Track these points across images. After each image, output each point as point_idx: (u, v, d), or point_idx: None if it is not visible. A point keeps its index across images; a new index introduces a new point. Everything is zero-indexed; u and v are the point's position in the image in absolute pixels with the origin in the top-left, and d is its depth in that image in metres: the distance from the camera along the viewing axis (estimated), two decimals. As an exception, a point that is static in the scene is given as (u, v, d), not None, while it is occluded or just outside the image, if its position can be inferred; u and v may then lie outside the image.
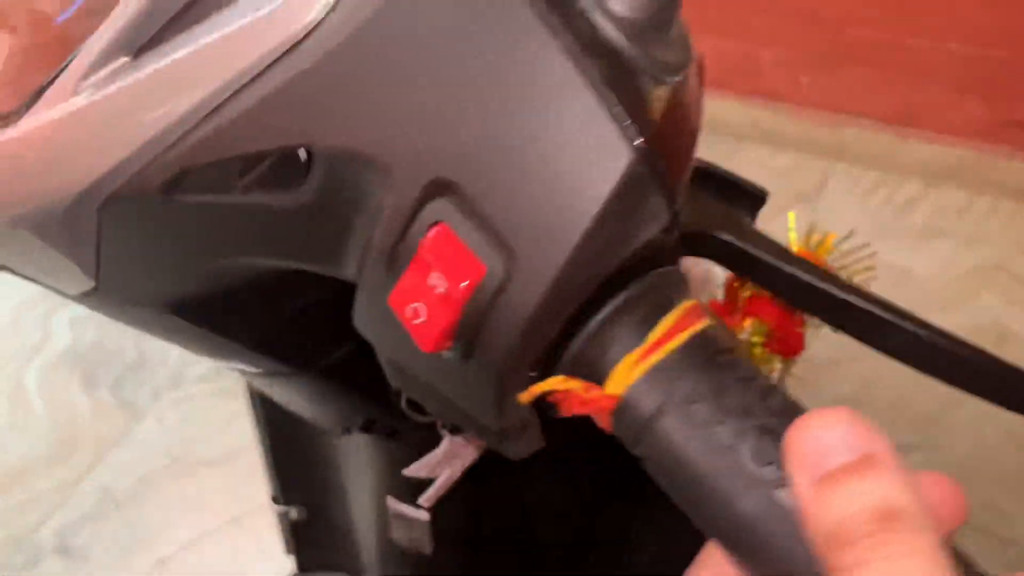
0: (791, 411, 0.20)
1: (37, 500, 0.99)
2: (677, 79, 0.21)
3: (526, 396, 0.22)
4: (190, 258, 0.27)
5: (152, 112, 0.22)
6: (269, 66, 0.21)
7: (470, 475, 0.45)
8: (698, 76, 0.23)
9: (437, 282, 0.21)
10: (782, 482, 0.19)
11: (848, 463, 0.18)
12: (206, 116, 0.22)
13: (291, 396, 0.48)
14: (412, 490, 0.48)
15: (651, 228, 0.20)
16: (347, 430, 0.50)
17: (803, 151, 1.11)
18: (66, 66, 0.24)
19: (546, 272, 0.20)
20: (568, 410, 0.23)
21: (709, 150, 0.25)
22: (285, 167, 0.23)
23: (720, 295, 0.36)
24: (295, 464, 0.61)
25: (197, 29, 0.22)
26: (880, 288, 0.28)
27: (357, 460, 0.54)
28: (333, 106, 0.21)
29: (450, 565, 0.52)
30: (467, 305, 0.21)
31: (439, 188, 0.21)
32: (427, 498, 0.45)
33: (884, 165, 1.10)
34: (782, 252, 0.24)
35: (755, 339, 0.36)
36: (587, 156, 0.19)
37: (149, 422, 1.05)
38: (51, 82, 0.24)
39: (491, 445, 0.25)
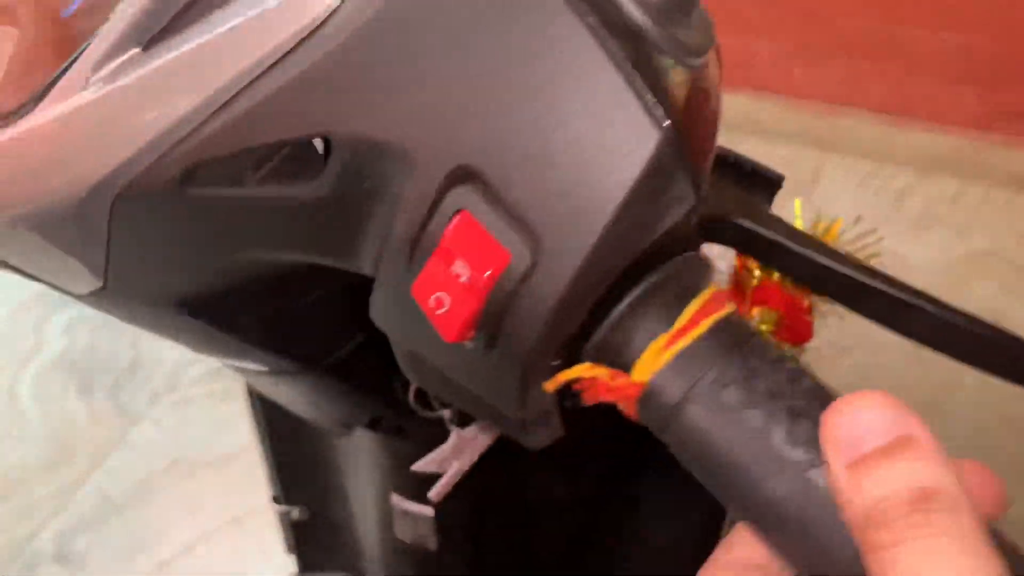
0: (821, 393, 0.20)
1: (34, 507, 0.98)
2: (700, 62, 0.21)
3: (552, 384, 0.22)
4: (203, 254, 0.27)
5: (165, 104, 0.22)
6: (286, 54, 0.21)
7: (473, 469, 0.45)
8: (717, 61, 0.23)
9: (461, 271, 0.20)
10: (815, 463, 0.19)
11: (884, 445, 0.18)
12: (221, 107, 0.21)
13: (295, 395, 0.48)
14: (417, 486, 0.48)
15: (678, 212, 0.20)
16: (350, 428, 0.50)
17: (797, 143, 1.12)
18: (74, 60, 0.23)
19: (573, 258, 0.20)
20: (593, 398, 0.22)
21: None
22: (301, 158, 0.23)
23: (723, 283, 0.36)
24: (296, 464, 0.61)
25: (210, 18, 0.22)
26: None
27: (360, 458, 0.54)
28: (353, 94, 0.21)
29: (453, 561, 0.52)
30: (491, 294, 0.20)
31: (461, 175, 0.20)
32: (436, 492, 0.45)
33: (878, 155, 1.11)
34: (802, 237, 0.24)
35: (764, 327, 0.36)
36: (614, 138, 0.19)
37: (146, 426, 1.05)
38: (59, 77, 0.24)
39: (511, 435, 0.25)
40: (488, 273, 0.20)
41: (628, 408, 0.22)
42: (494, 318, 0.21)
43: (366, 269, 0.25)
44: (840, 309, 0.45)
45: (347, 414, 0.48)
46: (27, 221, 0.26)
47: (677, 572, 0.55)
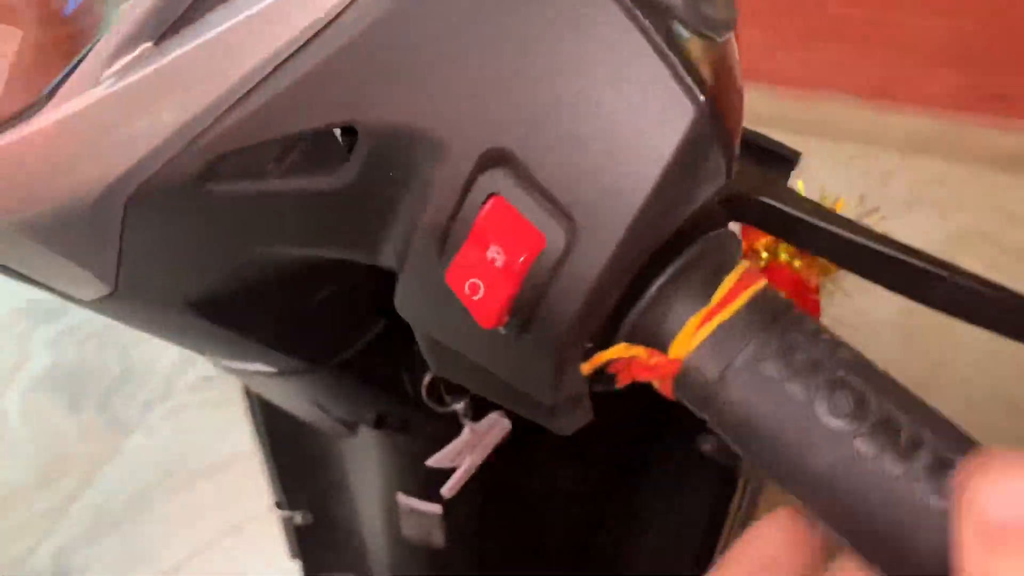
0: (861, 363, 0.20)
1: (29, 525, 0.96)
2: (726, 37, 0.21)
3: (588, 366, 0.22)
4: (220, 253, 0.26)
5: (182, 97, 0.22)
6: (309, 40, 0.20)
7: (481, 464, 0.45)
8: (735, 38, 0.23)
9: (495, 256, 0.20)
10: (860, 432, 0.19)
11: None
12: (243, 97, 0.21)
13: (299, 396, 0.47)
14: (424, 483, 0.47)
15: (712, 187, 0.20)
16: (353, 429, 0.50)
17: (781, 127, 1.12)
18: (83, 58, 0.23)
19: (610, 237, 0.19)
20: (627, 379, 0.22)
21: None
22: (324, 148, 0.22)
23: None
24: (298, 468, 0.61)
25: (225, 8, 0.21)
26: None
27: (364, 459, 0.54)
28: (381, 79, 0.20)
29: (460, 558, 0.52)
30: (526, 277, 0.20)
31: (493, 158, 0.20)
32: (449, 488, 0.45)
33: (863, 138, 1.12)
34: (826, 212, 0.24)
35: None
36: (648, 113, 0.19)
37: (139, 437, 1.03)
38: (67, 76, 0.23)
39: (539, 422, 0.25)
40: (523, 257, 0.20)
41: (664, 387, 0.22)
42: (530, 302, 0.20)
43: (387, 261, 0.25)
44: (846, 288, 0.46)
45: (353, 412, 0.48)
46: (29, 229, 0.25)
47: (680, 565, 0.55)
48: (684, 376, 0.21)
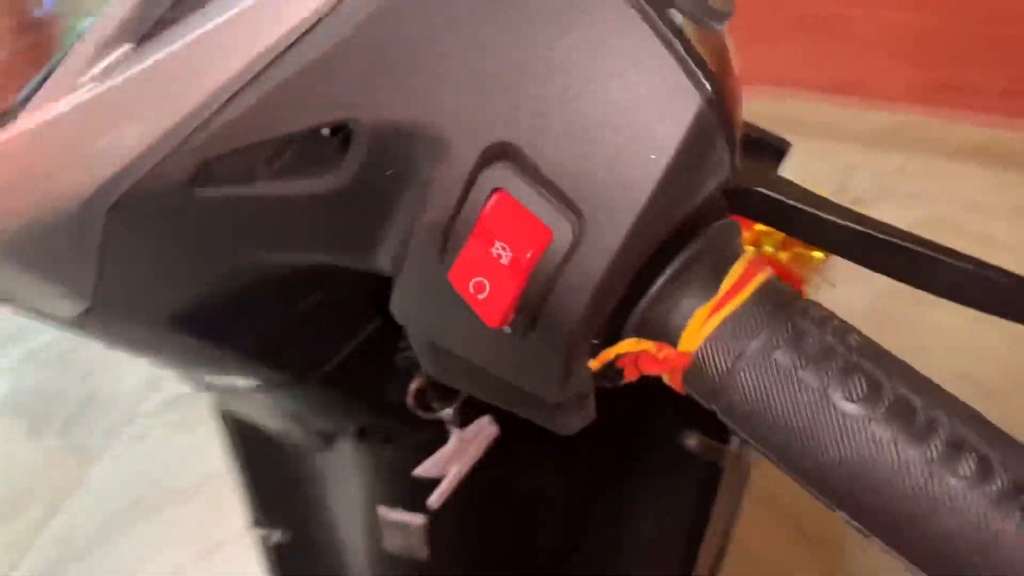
0: (871, 348, 0.20)
1: (-9, 558, 0.93)
2: (723, 27, 0.20)
3: (597, 362, 0.21)
4: (207, 261, 0.25)
5: (168, 100, 0.21)
6: (301, 37, 0.19)
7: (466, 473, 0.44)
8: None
9: (501, 252, 0.20)
10: (874, 417, 0.19)
11: None
12: (232, 98, 0.20)
13: (277, 410, 0.46)
14: (406, 495, 0.46)
15: (717, 179, 0.20)
16: (331, 442, 0.49)
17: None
18: (57, 63, 0.22)
19: (617, 229, 0.19)
20: (634, 374, 0.22)
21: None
22: (317, 149, 0.22)
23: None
24: (275, 485, 0.59)
25: (209, 7, 0.20)
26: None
27: (344, 473, 0.53)
28: (378, 75, 0.20)
29: (443, 569, 0.51)
30: (533, 273, 0.20)
31: (497, 153, 0.20)
32: (436, 498, 0.44)
33: (826, 133, 1.14)
34: (823, 201, 0.24)
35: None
36: (655, 104, 0.19)
37: (104, 464, 1.00)
38: (42, 82, 0.22)
39: (540, 423, 0.25)
40: (531, 252, 0.19)
41: (674, 380, 0.21)
42: (536, 298, 0.20)
43: (382, 265, 0.24)
44: (832, 279, 0.46)
45: (335, 425, 0.47)
46: (7, 249, 0.24)
47: (666, 562, 0.55)
48: (694, 368, 0.21)
